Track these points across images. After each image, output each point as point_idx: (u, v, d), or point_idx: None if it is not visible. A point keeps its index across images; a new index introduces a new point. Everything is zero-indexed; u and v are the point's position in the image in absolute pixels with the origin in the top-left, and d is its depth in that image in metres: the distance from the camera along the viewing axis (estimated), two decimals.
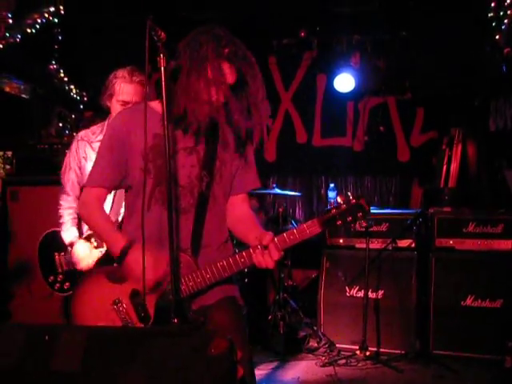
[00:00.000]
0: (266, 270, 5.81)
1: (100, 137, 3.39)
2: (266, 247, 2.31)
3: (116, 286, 2.41)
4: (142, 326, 2.33)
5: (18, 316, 5.35)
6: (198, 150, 2.46)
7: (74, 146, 3.57)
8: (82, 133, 3.60)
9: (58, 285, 3.67)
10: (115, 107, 3.35)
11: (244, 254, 2.34)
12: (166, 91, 1.96)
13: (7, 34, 5.21)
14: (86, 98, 6.75)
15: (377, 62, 6.81)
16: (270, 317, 5.45)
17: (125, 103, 3.31)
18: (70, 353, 1.51)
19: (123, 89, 3.32)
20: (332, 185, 6.15)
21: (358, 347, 4.95)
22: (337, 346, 5.23)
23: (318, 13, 6.67)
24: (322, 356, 5.10)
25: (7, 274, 5.31)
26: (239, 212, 2.60)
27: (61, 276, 3.67)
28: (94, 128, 3.58)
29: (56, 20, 6.00)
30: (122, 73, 3.35)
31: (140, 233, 2.20)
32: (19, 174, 5.45)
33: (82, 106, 6.73)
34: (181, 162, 2.42)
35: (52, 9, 5.89)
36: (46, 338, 1.53)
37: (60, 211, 3.62)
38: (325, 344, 5.31)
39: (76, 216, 3.58)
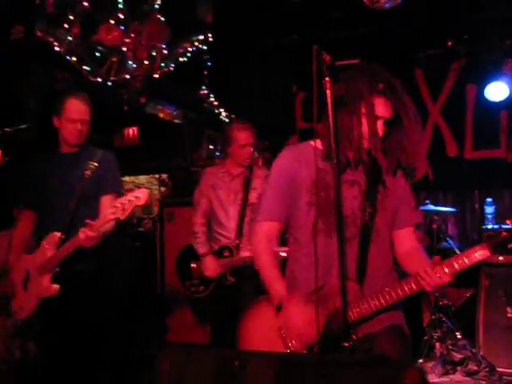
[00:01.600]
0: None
1: (222, 171, 4.38)
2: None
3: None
4: (307, 352, 2.33)
5: (174, 332, 5.58)
6: (360, 182, 2.51)
7: (205, 177, 4.45)
8: (210, 168, 4.59)
9: (193, 288, 4.36)
10: (237, 152, 4.27)
11: (410, 279, 2.34)
12: (332, 112, 1.96)
13: (162, 64, 5.50)
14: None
15: None
16: (425, 338, 5.27)
17: (245, 146, 4.25)
18: (259, 379, 1.52)
19: (242, 135, 4.25)
20: (489, 199, 5.84)
21: None
22: (498, 370, 4.93)
23: (464, 20, 6.43)
24: (483, 380, 4.83)
25: (164, 291, 5.57)
26: (407, 246, 2.61)
27: (196, 281, 4.33)
28: (218, 166, 4.58)
29: (205, 47, 6.25)
30: (236, 124, 4.37)
31: (305, 261, 2.38)
32: (175, 196, 5.70)
33: None
34: (343, 194, 2.44)
35: (201, 37, 6.15)
36: (236, 363, 1.56)
37: (195, 227, 4.35)
38: (485, 368, 5.01)
39: (206, 230, 4.35)
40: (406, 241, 2.61)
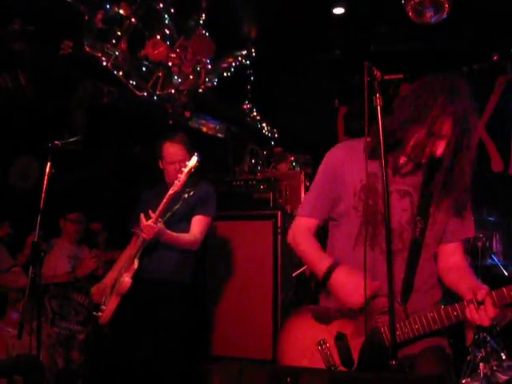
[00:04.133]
0: None
1: None
2: (480, 303, 2.17)
3: (322, 327, 2.41)
4: (344, 369, 2.29)
5: (216, 346, 5.55)
6: (412, 194, 2.39)
7: None
8: None
9: None
10: None
11: (457, 306, 2.22)
12: (382, 131, 1.95)
13: (206, 79, 5.56)
14: (276, 135, 6.98)
15: None
16: (469, 357, 5.15)
17: None
18: None
19: None
20: None
21: None
22: None
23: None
24: None
25: (207, 305, 5.57)
26: (452, 261, 2.48)
27: None
28: None
29: (248, 62, 6.30)
30: None
31: None
32: (217, 209, 5.69)
33: (272, 143, 6.97)
34: (392, 205, 2.29)
35: (244, 52, 6.20)
36: (288, 380, 1.55)
37: None
38: None
39: None
40: (451, 256, 2.48)
